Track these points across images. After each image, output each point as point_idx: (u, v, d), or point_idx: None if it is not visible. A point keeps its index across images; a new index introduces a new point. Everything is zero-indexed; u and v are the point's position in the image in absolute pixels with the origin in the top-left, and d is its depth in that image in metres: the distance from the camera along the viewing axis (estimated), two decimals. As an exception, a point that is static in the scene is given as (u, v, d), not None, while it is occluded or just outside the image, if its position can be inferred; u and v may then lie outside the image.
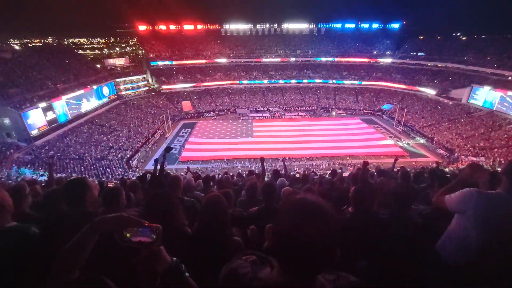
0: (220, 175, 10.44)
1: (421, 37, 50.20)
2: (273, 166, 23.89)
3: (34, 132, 25.87)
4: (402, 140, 33.04)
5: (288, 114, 43.83)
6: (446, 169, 12.82)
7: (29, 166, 21.19)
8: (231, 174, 12.15)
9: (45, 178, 14.23)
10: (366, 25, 52.80)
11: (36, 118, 26.37)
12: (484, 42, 42.55)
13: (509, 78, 33.43)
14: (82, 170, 22.77)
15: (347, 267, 1.91)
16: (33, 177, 15.44)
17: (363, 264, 1.99)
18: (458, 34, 49.06)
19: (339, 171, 11.09)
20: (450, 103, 37.56)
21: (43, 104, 27.24)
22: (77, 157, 24.95)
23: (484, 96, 33.76)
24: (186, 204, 2.91)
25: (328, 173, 10.66)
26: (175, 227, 1.86)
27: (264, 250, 1.07)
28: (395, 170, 10.09)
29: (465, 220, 1.80)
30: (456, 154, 27.16)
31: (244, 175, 11.77)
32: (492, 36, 42.88)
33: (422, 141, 32.42)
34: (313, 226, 0.79)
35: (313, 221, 0.80)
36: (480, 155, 25.67)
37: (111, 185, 8.30)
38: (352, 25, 53.15)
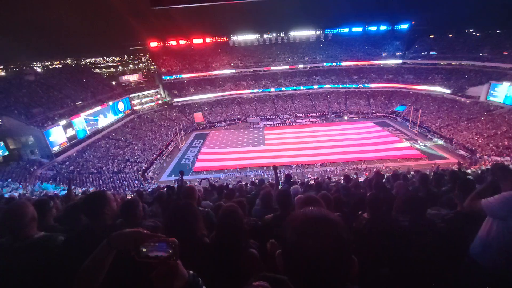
0: (233, 184, 10.45)
1: (432, 36, 49.16)
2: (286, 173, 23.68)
3: (56, 149, 27.07)
4: (419, 142, 32.01)
5: (299, 120, 43.65)
6: (468, 171, 12.25)
7: (51, 181, 22.10)
8: (244, 183, 12.15)
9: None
10: (373, 28, 52.43)
11: (57, 135, 27.64)
12: (499, 37, 41.10)
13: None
14: (101, 183, 23.47)
15: (369, 275, 1.86)
16: (55, 192, 16.06)
17: (385, 271, 1.93)
18: (471, 30, 47.72)
19: (353, 176, 10.86)
20: (468, 101, 36.22)
21: (63, 122, 28.58)
22: (95, 171, 25.81)
23: (505, 92, 32.32)
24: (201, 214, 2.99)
25: (340, 178, 10.44)
26: (195, 237, 1.87)
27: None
28: (412, 173, 9.74)
29: (504, 227, 1.72)
30: (478, 155, 25.96)
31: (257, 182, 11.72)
32: (507, 30, 41.35)
33: (441, 142, 31.27)
34: (321, 240, 0.75)
35: (321, 235, 0.76)
36: (504, 154, 24.41)
37: (129, 197, 8.52)
38: (360, 29, 52.92)
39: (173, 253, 0.94)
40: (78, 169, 25.75)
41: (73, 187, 17.62)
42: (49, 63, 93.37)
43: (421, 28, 49.83)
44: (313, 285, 0.77)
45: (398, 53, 48.73)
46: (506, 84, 32.24)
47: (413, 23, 49.79)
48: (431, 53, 45.72)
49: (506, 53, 36.67)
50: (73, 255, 1.49)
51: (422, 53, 47.01)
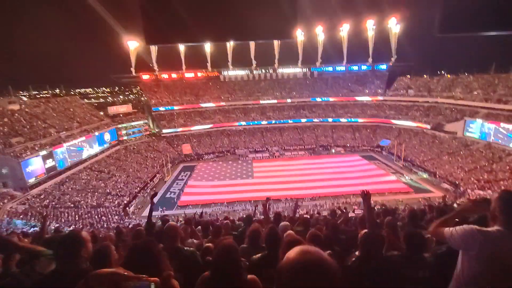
0: (220, 220, 9.94)
1: (409, 76, 53.14)
2: (275, 208, 23.07)
3: (32, 181, 25.53)
4: (405, 175, 32.60)
5: (288, 153, 44.03)
6: (455, 205, 12.32)
7: (21, 216, 20.39)
8: (231, 218, 11.59)
9: (36, 229, 13.52)
10: (355, 67, 56.39)
11: (36, 166, 26.31)
12: (468, 79, 44.93)
13: (499, 111, 34.44)
14: (77, 218, 21.89)
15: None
16: (24, 229, 14.68)
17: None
18: (443, 72, 52.07)
19: (343, 210, 10.62)
20: (447, 136, 38.07)
21: (43, 152, 27.44)
22: (72, 205, 24.22)
23: (479, 128, 34.38)
24: (185, 253, 2.83)
25: (328, 213, 10.24)
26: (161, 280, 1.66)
27: None
28: (401, 207, 9.65)
29: (470, 259, 1.74)
30: (461, 188, 26.53)
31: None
32: (474, 74, 45.44)
33: (425, 175, 31.98)
34: (316, 285, 0.75)
35: (316, 280, 0.75)
36: (486, 188, 25.06)
37: (102, 235, 7.81)
38: (343, 68, 56.73)
39: None
40: (53, 202, 24.11)
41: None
42: (36, 92, 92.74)
43: (399, 69, 53.99)
44: None
45: (379, 91, 51.92)
46: (479, 121, 34.47)
47: (390, 64, 54.00)
48: (409, 91, 48.99)
49: (476, 93, 39.87)
50: None
51: (401, 91, 50.31)
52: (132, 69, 50.72)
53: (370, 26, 51.45)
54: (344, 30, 52.54)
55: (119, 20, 45.86)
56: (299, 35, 51.33)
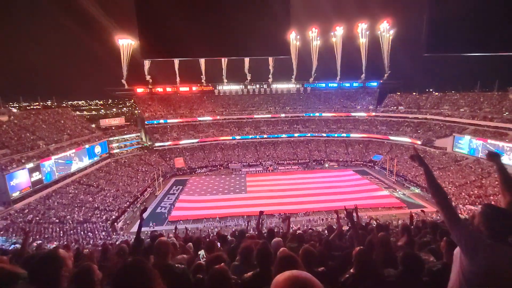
0: (212, 236, 9.66)
1: (399, 93, 54.84)
2: (268, 223, 22.68)
3: (16, 195, 24.54)
4: (398, 190, 32.77)
5: (281, 167, 43.92)
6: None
7: (1, 232, 19.40)
8: (224, 233, 11.27)
9: (17, 246, 12.82)
10: (347, 84, 57.96)
11: (21, 179, 25.39)
12: (455, 96, 46.61)
13: (485, 127, 35.58)
14: (61, 234, 20.94)
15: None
16: (3, 246, 13.90)
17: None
18: (431, 90, 54.03)
19: (335, 226, 10.49)
20: (437, 152, 38.82)
21: (30, 165, 26.60)
22: (57, 220, 23.23)
23: (467, 144, 35.26)
24: (176, 271, 2.71)
25: (324, 228, 10.08)
26: None
27: None
28: (395, 223, 9.60)
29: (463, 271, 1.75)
30: (453, 204, 26.74)
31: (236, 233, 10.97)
32: (461, 92, 47.31)
33: (417, 190, 32.20)
34: None
35: None
36: (477, 203, 25.33)
37: (87, 252, 7.45)
38: (335, 84, 58.25)
39: None
40: (37, 217, 23.08)
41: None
42: (27, 104, 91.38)
43: (389, 86, 55.76)
44: None
45: (371, 107, 53.18)
46: (467, 137, 35.41)
47: (381, 81, 55.77)
48: (399, 107, 50.36)
49: (462, 110, 41.27)
50: None
51: (392, 107, 51.66)
52: (124, 81, 50.79)
53: (362, 31, 52.43)
54: (338, 34, 53.50)
55: (114, 28, 46.58)
56: (293, 38, 52.48)
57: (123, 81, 50.90)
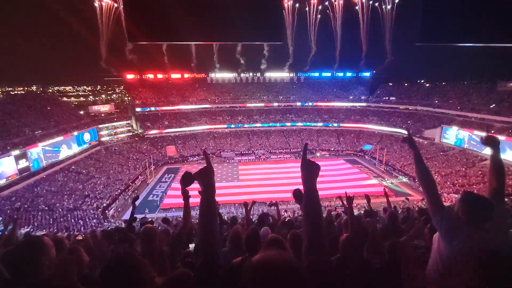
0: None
1: (391, 84, 55.28)
2: (260, 210, 22.98)
3: (2, 182, 24.00)
4: (386, 179, 33.61)
5: (274, 156, 44.18)
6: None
7: (-12, 220, 19.04)
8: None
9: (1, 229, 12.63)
10: (341, 74, 57.95)
11: (7, 166, 24.76)
12: (445, 88, 47.34)
13: (472, 119, 36.53)
14: (51, 222, 20.75)
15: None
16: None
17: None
18: (422, 81, 54.60)
19: (335, 214, 10.73)
20: (425, 142, 39.74)
21: (16, 152, 25.89)
22: (46, 208, 22.94)
23: (454, 135, 36.20)
24: (165, 255, 2.75)
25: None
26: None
27: None
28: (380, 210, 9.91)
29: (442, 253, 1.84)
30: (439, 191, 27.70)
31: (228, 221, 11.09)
32: (451, 83, 48.05)
33: (405, 179, 33.11)
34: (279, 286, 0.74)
35: (280, 283, 0.75)
36: (460, 192, 26.28)
37: (80, 238, 7.42)
38: (328, 74, 58.16)
39: None
40: (26, 205, 22.71)
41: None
42: (11, 89, 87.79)
43: (382, 76, 56.15)
44: None
45: (363, 97, 53.55)
46: (455, 128, 36.31)
47: (374, 72, 56.02)
48: (391, 98, 50.90)
49: (451, 101, 42.08)
50: None
51: (384, 98, 52.16)
52: (102, 63, 48.91)
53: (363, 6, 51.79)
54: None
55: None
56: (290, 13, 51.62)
57: (102, 63, 49.41)
